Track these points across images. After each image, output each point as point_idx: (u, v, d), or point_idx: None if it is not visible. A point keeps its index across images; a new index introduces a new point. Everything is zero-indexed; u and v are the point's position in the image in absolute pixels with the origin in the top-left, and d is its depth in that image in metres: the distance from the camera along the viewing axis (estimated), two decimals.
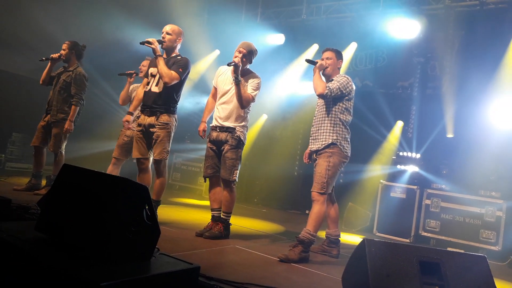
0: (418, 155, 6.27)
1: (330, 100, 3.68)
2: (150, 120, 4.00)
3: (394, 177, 6.08)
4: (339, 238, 3.90)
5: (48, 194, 2.37)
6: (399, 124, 7.07)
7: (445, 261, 2.19)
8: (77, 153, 6.42)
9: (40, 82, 5.05)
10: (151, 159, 4.08)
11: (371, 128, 6.87)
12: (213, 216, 3.89)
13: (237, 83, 3.75)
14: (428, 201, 5.45)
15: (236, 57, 3.83)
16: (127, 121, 4.06)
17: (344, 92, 3.63)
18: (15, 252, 1.96)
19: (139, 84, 4.98)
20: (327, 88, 3.56)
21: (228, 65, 3.82)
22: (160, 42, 3.96)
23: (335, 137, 3.63)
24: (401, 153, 6.40)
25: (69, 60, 5.06)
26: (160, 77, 3.93)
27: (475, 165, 5.66)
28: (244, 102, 3.81)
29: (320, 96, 3.61)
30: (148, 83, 4.09)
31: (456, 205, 5.23)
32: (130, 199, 2.06)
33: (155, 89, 4.01)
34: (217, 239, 3.68)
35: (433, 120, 6.45)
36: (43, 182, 5.04)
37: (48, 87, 5.14)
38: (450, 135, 6.34)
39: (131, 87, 5.04)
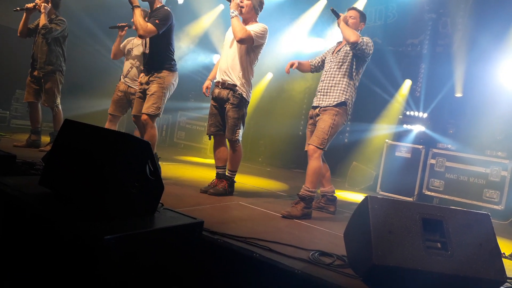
0: (425, 115, 6.19)
1: (350, 58, 3.57)
2: (147, 78, 3.99)
3: (400, 136, 6.04)
4: (335, 195, 3.92)
5: (51, 148, 2.36)
6: (407, 83, 6.94)
7: (448, 218, 2.18)
8: (77, 111, 6.39)
9: (18, 34, 4.92)
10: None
11: (379, 87, 6.76)
12: (217, 174, 3.90)
13: (232, 16, 3.60)
14: (433, 161, 5.43)
15: None
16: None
17: (369, 52, 3.53)
18: (20, 206, 1.98)
19: (132, 38, 4.86)
20: (360, 37, 3.45)
21: None
22: None
23: (347, 96, 3.56)
24: (408, 112, 6.32)
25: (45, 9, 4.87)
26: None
27: (483, 125, 5.60)
28: (238, 33, 3.55)
29: (354, 44, 3.45)
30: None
31: (461, 164, 5.21)
32: (133, 154, 2.05)
33: (146, 49, 3.97)
34: (221, 195, 3.72)
35: (442, 79, 6.31)
36: (47, 139, 5.05)
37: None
38: (458, 95, 6.23)
39: (125, 41, 4.88)
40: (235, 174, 3.92)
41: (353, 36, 3.44)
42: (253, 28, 3.67)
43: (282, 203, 3.84)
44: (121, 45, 4.87)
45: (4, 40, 6.91)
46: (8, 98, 7.18)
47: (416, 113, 6.25)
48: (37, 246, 1.89)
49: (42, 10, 4.76)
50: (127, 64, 4.80)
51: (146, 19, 3.78)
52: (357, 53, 3.53)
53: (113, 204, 1.92)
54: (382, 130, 6.60)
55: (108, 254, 1.67)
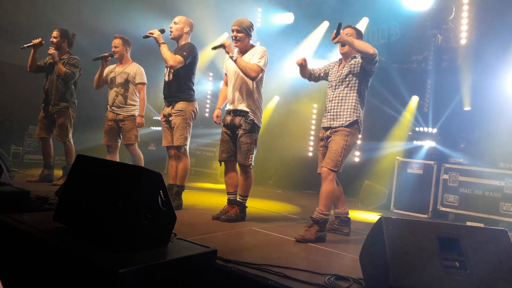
0: (435, 130, 6.15)
1: (357, 75, 3.54)
2: (169, 109, 4.19)
3: (410, 153, 6.00)
4: (349, 216, 3.88)
5: (64, 184, 2.40)
6: (414, 99, 6.93)
7: (465, 236, 2.14)
8: (87, 144, 6.48)
9: (28, 69, 5.06)
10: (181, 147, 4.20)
11: (386, 105, 6.75)
12: (229, 200, 3.91)
13: (234, 60, 3.69)
14: (446, 176, 5.37)
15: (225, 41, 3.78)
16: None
17: (375, 65, 3.51)
18: (35, 242, 2.00)
19: (113, 66, 4.92)
20: (374, 49, 3.39)
21: (213, 49, 3.84)
22: (161, 31, 4.04)
23: (358, 114, 3.53)
24: (417, 129, 6.29)
25: (60, 48, 5.05)
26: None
27: (494, 137, 5.54)
28: (250, 73, 3.68)
29: (370, 57, 3.36)
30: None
31: (474, 178, 5.14)
32: (145, 186, 2.07)
33: (168, 78, 4.18)
34: (233, 221, 3.71)
35: (449, 93, 6.29)
36: (60, 173, 5.12)
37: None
38: (467, 108, 6.19)
39: (106, 69, 4.91)
40: (246, 199, 3.92)
41: (370, 47, 3.36)
42: (255, 57, 3.77)
43: (295, 227, 3.81)
44: (104, 75, 4.91)
45: (16, 77, 7.10)
46: (21, 134, 7.32)
47: (426, 129, 6.21)
48: (53, 281, 1.90)
49: (56, 59, 4.92)
50: (112, 93, 4.85)
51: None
52: (371, 66, 3.47)
53: (126, 236, 1.93)
54: (392, 148, 6.56)
55: (123, 287, 1.67)
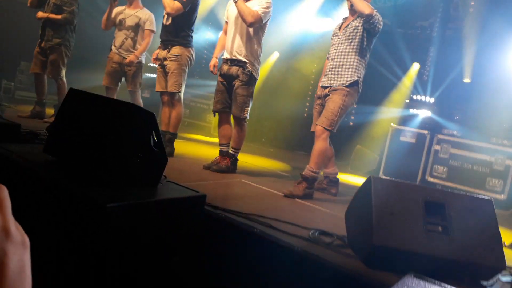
0: (432, 99, 6.13)
1: (361, 34, 3.46)
2: (164, 53, 4.09)
3: (405, 121, 6.01)
4: (337, 177, 3.91)
5: (56, 116, 2.36)
6: (415, 66, 6.85)
7: (451, 202, 2.17)
8: (80, 84, 6.35)
9: (28, 5, 4.87)
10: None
11: (386, 69, 6.68)
12: (221, 151, 3.90)
13: (236, 0, 3.57)
14: (437, 147, 5.39)
15: None
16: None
17: (379, 27, 3.43)
18: (24, 173, 1.99)
19: (123, 7, 4.77)
20: (374, 10, 3.34)
21: None
22: None
23: (359, 74, 3.48)
24: (414, 97, 6.26)
25: None
26: None
27: (490, 112, 5.54)
28: (247, 17, 3.55)
29: (369, 16, 3.32)
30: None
31: (465, 152, 5.18)
32: (137, 125, 2.04)
33: (167, 21, 4.06)
34: (224, 172, 3.72)
35: (451, 63, 6.23)
36: (52, 111, 5.05)
37: None
38: (467, 80, 6.15)
39: (115, 10, 4.75)
40: (238, 152, 3.92)
41: (367, 8, 3.32)
42: (259, 5, 3.63)
43: (284, 183, 3.85)
44: (112, 15, 4.75)
45: (10, 12, 6.84)
46: (13, 70, 7.16)
47: (423, 98, 6.19)
48: (40, 211, 1.90)
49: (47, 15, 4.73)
50: (120, 35, 4.72)
51: None
52: (369, 27, 3.42)
53: (116, 173, 1.92)
54: (387, 114, 6.56)
55: (110, 222, 1.68)
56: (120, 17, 4.72)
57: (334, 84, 3.52)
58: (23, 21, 6.58)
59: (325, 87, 3.62)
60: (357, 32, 3.49)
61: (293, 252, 2.01)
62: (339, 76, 3.51)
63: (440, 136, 5.41)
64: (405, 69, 6.75)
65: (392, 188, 2.18)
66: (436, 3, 6.67)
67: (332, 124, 3.40)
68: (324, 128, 3.40)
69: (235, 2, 3.57)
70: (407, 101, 6.37)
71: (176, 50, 4.03)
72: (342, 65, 3.52)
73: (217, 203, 2.45)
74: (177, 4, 3.86)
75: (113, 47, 4.75)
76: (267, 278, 1.98)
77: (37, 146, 2.36)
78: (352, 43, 3.50)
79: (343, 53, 3.53)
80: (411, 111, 6.10)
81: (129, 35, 4.68)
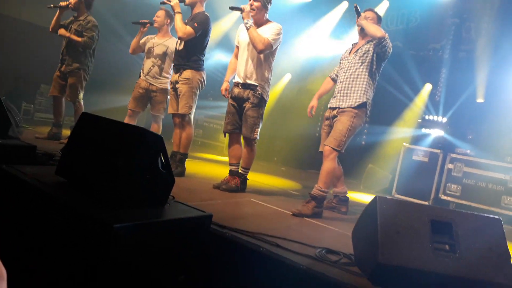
0: (445, 119, 6.10)
1: (371, 57, 3.54)
2: (176, 77, 4.22)
3: (417, 140, 5.98)
4: (347, 196, 3.91)
5: (68, 139, 2.44)
6: (427, 87, 6.85)
7: (458, 221, 2.16)
8: (98, 106, 6.55)
9: (50, 30, 5.07)
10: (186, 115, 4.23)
11: (398, 90, 6.69)
12: (230, 171, 3.95)
13: (248, 27, 3.68)
14: (450, 166, 5.34)
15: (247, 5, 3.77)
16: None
17: (389, 51, 3.54)
18: (36, 193, 2.06)
19: (152, 36, 4.96)
20: (385, 33, 3.46)
21: (230, 8, 3.83)
22: (180, 0, 4.03)
23: (368, 97, 3.53)
24: (427, 117, 6.24)
25: (78, 9, 5.05)
26: None
27: (504, 132, 5.49)
28: (258, 44, 3.66)
29: (380, 39, 3.44)
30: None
31: (479, 170, 5.12)
32: (145, 148, 2.10)
33: (179, 46, 4.20)
34: (233, 192, 3.76)
35: (463, 84, 6.21)
36: (68, 132, 5.18)
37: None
38: (480, 100, 6.12)
39: (144, 38, 4.97)
40: (247, 172, 3.96)
41: (379, 31, 3.44)
42: (269, 33, 3.74)
43: (294, 202, 3.85)
44: (140, 42, 4.96)
45: (30, 37, 7.13)
46: (33, 92, 7.40)
47: (435, 118, 6.16)
48: (50, 231, 1.96)
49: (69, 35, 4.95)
50: (148, 63, 4.89)
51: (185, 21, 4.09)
52: (380, 50, 3.50)
53: (124, 194, 1.97)
54: (399, 134, 6.54)
55: (117, 242, 1.72)
56: (149, 45, 4.90)
57: (343, 106, 3.56)
58: (44, 46, 6.84)
59: (333, 109, 3.66)
60: (367, 56, 3.55)
61: (299, 270, 2.02)
62: (348, 97, 3.55)
63: (453, 155, 5.37)
64: (416, 90, 6.75)
65: (398, 208, 2.18)
66: (448, 26, 6.70)
67: (340, 145, 3.43)
68: (332, 148, 3.43)
69: (248, 29, 3.68)
70: (419, 121, 6.35)
71: (187, 73, 4.14)
72: (351, 87, 3.56)
73: (224, 222, 2.48)
74: (189, 29, 3.98)
75: (141, 73, 4.92)
76: None
77: (50, 167, 2.44)
78: (362, 66, 3.56)
79: (352, 76, 3.58)
80: (424, 130, 6.08)
81: (156, 63, 4.84)
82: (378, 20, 3.73)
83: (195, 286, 2.13)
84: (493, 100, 5.96)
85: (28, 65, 7.19)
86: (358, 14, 3.60)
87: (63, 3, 4.93)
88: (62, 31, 4.97)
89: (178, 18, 3.97)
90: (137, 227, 1.83)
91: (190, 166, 4.43)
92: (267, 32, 3.74)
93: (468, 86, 6.16)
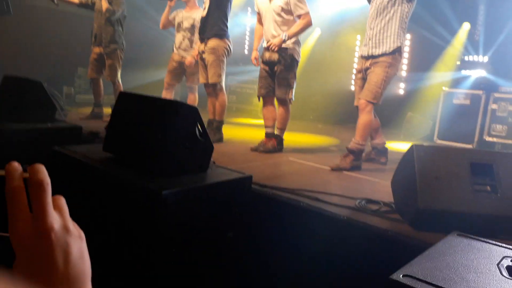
0: (486, 58, 5.81)
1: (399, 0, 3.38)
2: (202, 47, 4.25)
3: (458, 83, 5.75)
4: (386, 146, 3.89)
5: (111, 118, 2.58)
6: (465, 26, 6.49)
7: (499, 162, 2.13)
8: (133, 83, 6.72)
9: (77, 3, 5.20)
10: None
11: (433, 34, 6.38)
12: (266, 133, 4.02)
13: (285, 40, 3.75)
14: (494, 106, 5.13)
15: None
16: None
17: None
18: (87, 170, 2.22)
19: (181, 10, 4.98)
20: None
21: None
22: None
23: (401, 41, 3.42)
24: (466, 58, 5.96)
25: None
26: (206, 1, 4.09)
27: None
28: (307, 28, 3.79)
29: None
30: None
31: None
32: (182, 119, 2.19)
33: (203, 13, 4.15)
34: (271, 153, 3.84)
35: (504, 19, 5.84)
36: (109, 110, 5.40)
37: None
38: None
39: (173, 13, 5.02)
40: (283, 132, 4.02)
41: None
42: (294, 2, 3.73)
43: (332, 157, 3.87)
44: (170, 17, 5.02)
45: (61, 23, 7.33)
46: (71, 76, 7.69)
47: (476, 58, 5.88)
48: (105, 204, 2.13)
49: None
50: (179, 36, 4.99)
51: None
52: None
53: (167, 163, 2.10)
54: (438, 78, 6.30)
55: (166, 207, 1.85)
56: (178, 19, 4.98)
57: (376, 53, 3.46)
58: (75, 29, 7.04)
59: (366, 58, 3.57)
60: (394, 1, 3.40)
61: (340, 221, 2.10)
62: (381, 43, 3.44)
63: (497, 95, 5.14)
64: (453, 31, 6.42)
65: (436, 154, 2.18)
66: None
67: (376, 97, 3.38)
68: (367, 101, 3.40)
69: (285, 41, 3.74)
70: (458, 63, 6.07)
71: (212, 42, 4.16)
72: (383, 32, 3.45)
73: (264, 181, 2.57)
74: None
75: (174, 47, 5.02)
76: (316, 248, 2.08)
77: (97, 145, 2.60)
78: (392, 11, 3.42)
79: (383, 22, 3.46)
80: (463, 72, 5.83)
81: (186, 36, 4.94)
82: None
83: (242, 242, 2.26)
84: None
85: (63, 50, 7.43)
86: None
87: None
88: None
89: None
90: (183, 192, 1.96)
91: (228, 131, 4.54)
92: (293, 5, 3.73)
93: (509, 21, 5.79)
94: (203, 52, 4.26)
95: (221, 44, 4.19)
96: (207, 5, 4.17)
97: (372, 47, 3.50)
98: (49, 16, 7.13)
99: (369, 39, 3.54)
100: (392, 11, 3.43)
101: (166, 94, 5.05)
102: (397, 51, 3.42)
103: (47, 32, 7.23)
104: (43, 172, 0.49)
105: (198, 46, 4.36)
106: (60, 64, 7.47)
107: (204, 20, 4.21)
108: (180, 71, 5.04)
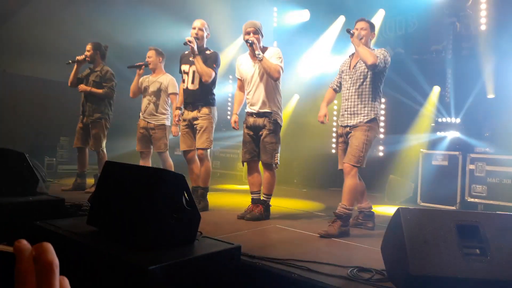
0: (458, 120, 6.07)
1: (371, 74, 3.56)
2: (193, 114, 4.30)
3: (434, 144, 5.94)
4: (372, 210, 3.90)
5: (95, 189, 2.55)
6: (436, 89, 6.84)
7: (484, 223, 2.16)
8: (118, 151, 6.72)
9: (69, 84, 5.29)
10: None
11: (406, 97, 6.69)
12: (253, 199, 4.00)
13: (261, 59, 3.78)
14: (472, 166, 5.28)
15: (248, 38, 3.88)
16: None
17: (387, 65, 3.54)
18: (71, 245, 2.15)
19: (148, 75, 5.10)
20: (378, 58, 3.42)
21: (246, 41, 3.91)
22: (196, 39, 4.16)
23: (376, 112, 3.57)
24: (440, 120, 6.22)
25: (94, 61, 5.27)
26: (194, 75, 4.23)
27: None
28: (274, 73, 3.82)
29: (372, 66, 3.42)
30: (183, 81, 4.38)
31: (502, 167, 5.04)
32: (169, 188, 2.19)
33: (191, 86, 4.32)
34: (258, 220, 3.80)
35: (471, 81, 6.18)
36: (92, 181, 5.34)
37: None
38: (490, 96, 6.08)
39: (141, 79, 5.08)
40: (270, 198, 4.01)
41: (370, 57, 3.39)
42: (274, 58, 3.88)
43: (320, 223, 3.86)
44: (139, 84, 5.08)
45: (46, 92, 7.43)
46: (54, 146, 7.65)
47: (448, 119, 6.14)
48: (90, 280, 2.04)
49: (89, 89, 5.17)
50: (144, 101, 5.03)
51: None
52: (378, 70, 3.53)
53: (154, 236, 2.05)
54: (415, 140, 6.50)
55: (153, 283, 1.79)
56: (145, 84, 5.06)
57: (351, 123, 3.61)
58: (59, 100, 7.14)
59: (345, 126, 3.71)
60: (367, 73, 3.58)
61: None
62: (356, 115, 3.59)
63: (473, 155, 5.31)
64: (425, 94, 6.74)
65: (422, 216, 2.20)
66: (446, 25, 6.73)
67: (359, 161, 3.45)
68: (351, 165, 3.45)
69: (260, 60, 3.80)
70: (433, 124, 6.33)
71: (205, 109, 4.27)
72: (357, 104, 3.60)
73: (253, 252, 2.52)
74: (211, 71, 4.13)
75: (140, 113, 5.06)
76: None
77: (81, 218, 2.54)
78: (364, 83, 3.59)
79: (356, 93, 3.62)
80: (439, 134, 6.05)
81: (151, 100, 4.98)
82: (372, 28, 3.70)
83: None
84: (504, 93, 5.90)
85: (46, 120, 7.47)
86: (352, 35, 3.56)
87: (79, 58, 5.16)
88: (82, 87, 5.16)
89: (200, 62, 4.08)
90: (170, 267, 1.90)
91: (212, 198, 4.50)
92: (271, 58, 3.86)
93: (476, 83, 6.12)
94: (194, 119, 4.29)
95: (213, 111, 4.32)
96: (195, 77, 4.26)
97: (348, 118, 3.65)
98: (30, 85, 7.24)
99: (345, 110, 3.70)
100: (364, 83, 3.59)
101: (143, 163, 5.01)
102: (374, 120, 3.56)
103: (28, 101, 7.29)
104: (52, 252, 0.49)
105: (186, 114, 4.36)
106: (42, 134, 7.47)
107: (194, 91, 4.28)
108: (148, 137, 5.02)
